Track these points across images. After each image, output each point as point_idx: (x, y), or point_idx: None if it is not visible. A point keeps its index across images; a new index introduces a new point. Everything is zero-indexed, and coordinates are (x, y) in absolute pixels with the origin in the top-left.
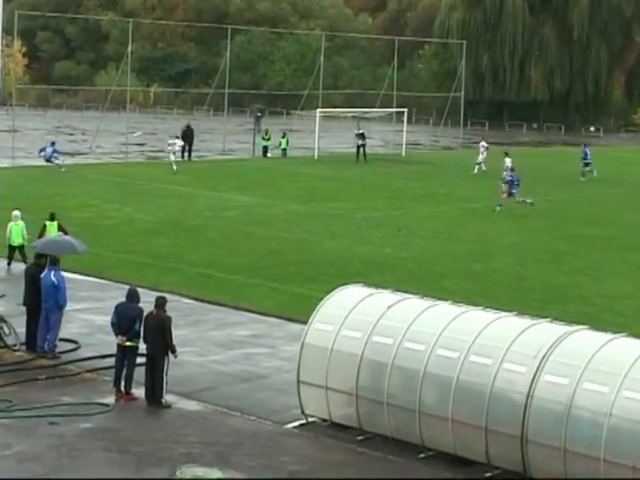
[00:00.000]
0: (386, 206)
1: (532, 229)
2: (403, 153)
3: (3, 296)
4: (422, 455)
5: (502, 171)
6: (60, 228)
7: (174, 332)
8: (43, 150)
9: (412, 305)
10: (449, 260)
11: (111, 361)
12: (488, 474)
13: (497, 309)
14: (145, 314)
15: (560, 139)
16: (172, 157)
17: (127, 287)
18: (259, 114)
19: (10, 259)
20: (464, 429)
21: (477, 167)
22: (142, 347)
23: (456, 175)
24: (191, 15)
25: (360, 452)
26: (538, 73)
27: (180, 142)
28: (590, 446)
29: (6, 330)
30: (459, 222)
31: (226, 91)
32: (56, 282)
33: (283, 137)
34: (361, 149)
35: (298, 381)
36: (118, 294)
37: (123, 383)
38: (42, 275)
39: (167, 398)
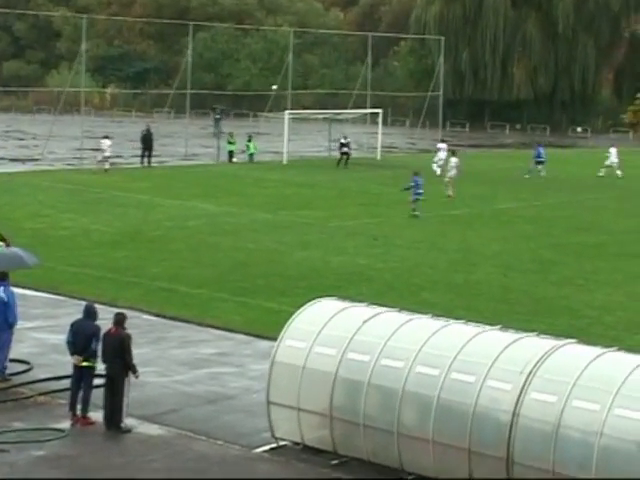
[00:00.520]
0: (361, 214)
1: (518, 237)
2: (378, 157)
3: None
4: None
5: (446, 171)
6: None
7: (134, 351)
8: None
9: (389, 319)
10: (429, 271)
11: (66, 383)
12: None
13: (480, 323)
14: (103, 332)
15: (545, 140)
16: (99, 157)
17: (83, 303)
18: (218, 116)
19: None
20: (446, 451)
21: (435, 165)
22: (100, 367)
23: (436, 180)
24: (150, 11)
25: (335, 477)
26: (521, 70)
27: (108, 142)
28: (580, 468)
29: None
30: (440, 230)
31: (188, 92)
32: (5, 299)
33: (249, 141)
34: (344, 156)
35: (268, 402)
36: (74, 311)
37: (79, 406)
38: None
39: (127, 422)
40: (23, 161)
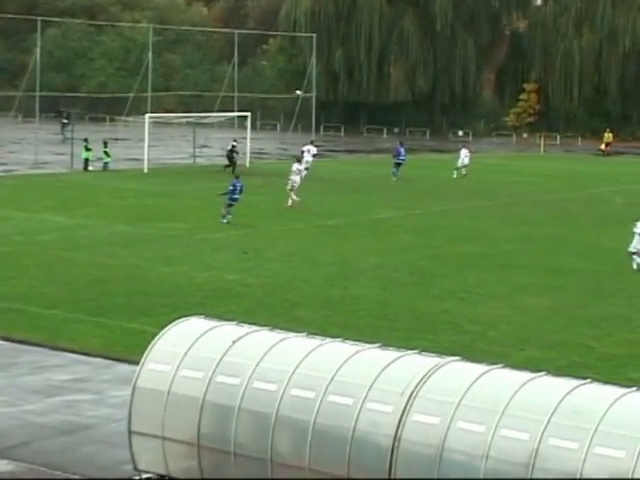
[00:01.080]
0: (230, 225)
1: (397, 248)
2: (247, 163)
3: None
4: None
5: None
6: None
7: None
8: None
9: (261, 339)
10: (303, 286)
11: None
12: None
13: (358, 341)
14: None
15: (425, 145)
16: None
17: None
18: (66, 120)
19: None
20: None
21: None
22: None
23: (310, 188)
24: None
25: None
26: (398, 71)
27: None
28: None
29: None
30: (314, 242)
31: (37, 94)
32: None
33: (105, 147)
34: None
35: (130, 431)
36: None
37: None
38: None
39: None
40: None
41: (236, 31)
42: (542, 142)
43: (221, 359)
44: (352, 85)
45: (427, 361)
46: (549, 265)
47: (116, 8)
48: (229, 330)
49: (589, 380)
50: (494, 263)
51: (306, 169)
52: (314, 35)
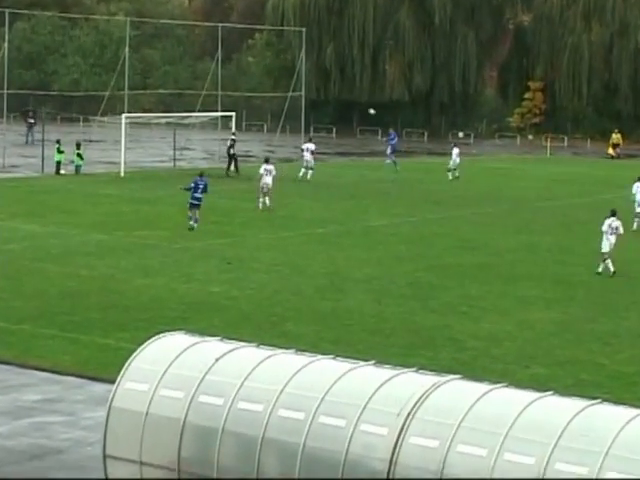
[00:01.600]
0: (211, 233)
1: (392, 258)
2: (231, 167)
3: None
4: None
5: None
6: None
7: None
8: None
9: (246, 356)
10: (292, 298)
11: None
12: None
13: (351, 357)
14: None
15: (423, 147)
16: None
17: None
18: (32, 120)
19: None
20: None
21: (304, 171)
22: None
23: (299, 194)
24: None
25: None
26: (394, 67)
27: None
28: None
29: None
30: (303, 251)
31: (4, 92)
32: None
33: (78, 148)
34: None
35: (104, 455)
36: None
37: None
38: None
39: None
40: None
41: (219, 25)
42: (548, 144)
43: (203, 378)
44: (344, 83)
45: (425, 380)
46: (556, 276)
47: (91, 0)
48: (212, 346)
49: (599, 400)
50: (497, 274)
51: (310, 168)
52: (303, 29)
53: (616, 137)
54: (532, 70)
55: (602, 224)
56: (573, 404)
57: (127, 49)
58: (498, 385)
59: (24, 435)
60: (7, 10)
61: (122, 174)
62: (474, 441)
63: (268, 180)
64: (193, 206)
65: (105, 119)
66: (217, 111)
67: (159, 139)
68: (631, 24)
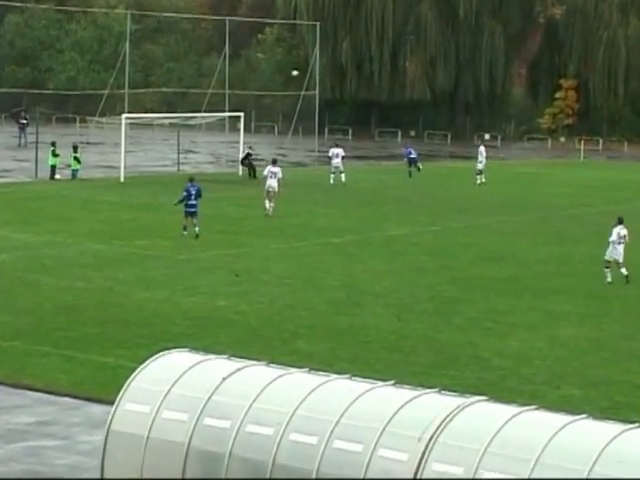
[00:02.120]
0: (218, 243)
1: (413, 270)
2: (240, 172)
3: None
4: None
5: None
6: None
7: None
8: None
9: (256, 375)
10: (304, 313)
11: None
12: None
13: (369, 377)
14: None
15: (446, 151)
16: None
17: None
18: (24, 121)
19: None
20: None
21: (334, 177)
22: None
23: (312, 200)
24: None
25: None
26: (415, 64)
27: None
28: None
29: None
30: (317, 263)
31: None
32: None
33: (75, 152)
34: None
35: None
36: None
37: None
38: None
39: None
40: None
41: (227, 18)
42: (582, 147)
43: (209, 399)
44: (361, 81)
45: (448, 401)
46: (590, 290)
47: None
48: (218, 365)
49: (637, 424)
50: (526, 287)
51: (341, 172)
52: (317, 23)
53: None
54: (564, 67)
55: (610, 234)
56: (608, 428)
57: (127, 44)
58: (527, 407)
59: (16, 460)
60: None
61: (122, 179)
62: (501, 468)
63: (273, 183)
64: (189, 214)
65: (104, 120)
66: (224, 111)
67: (162, 141)
68: None
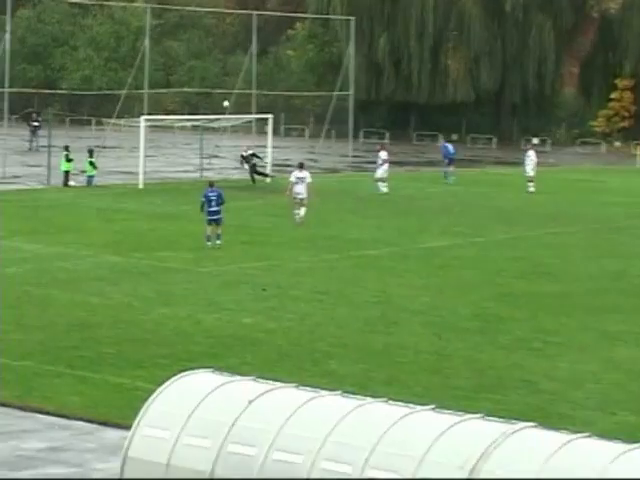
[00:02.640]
0: (244, 255)
1: (454, 285)
2: (267, 179)
3: None
4: None
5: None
6: None
7: None
8: None
9: (284, 399)
10: (337, 332)
11: None
12: None
13: (406, 401)
14: None
15: (491, 156)
16: None
17: None
18: (36, 123)
19: None
20: None
21: (381, 184)
22: None
23: (346, 209)
24: None
25: None
26: (458, 63)
27: None
28: None
29: None
30: (351, 277)
31: (6, 90)
32: None
33: (91, 156)
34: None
35: None
36: None
37: None
38: None
39: None
40: None
41: (254, 12)
42: (638, 152)
43: (234, 423)
44: (399, 81)
45: (493, 428)
46: None
47: None
48: (244, 387)
49: None
50: (577, 305)
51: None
52: (352, 18)
53: None
54: (619, 66)
55: None
56: None
57: (147, 41)
58: (579, 435)
59: None
60: None
61: (140, 186)
62: None
63: (300, 189)
64: (211, 222)
65: (121, 122)
66: (251, 113)
67: (183, 145)
68: None
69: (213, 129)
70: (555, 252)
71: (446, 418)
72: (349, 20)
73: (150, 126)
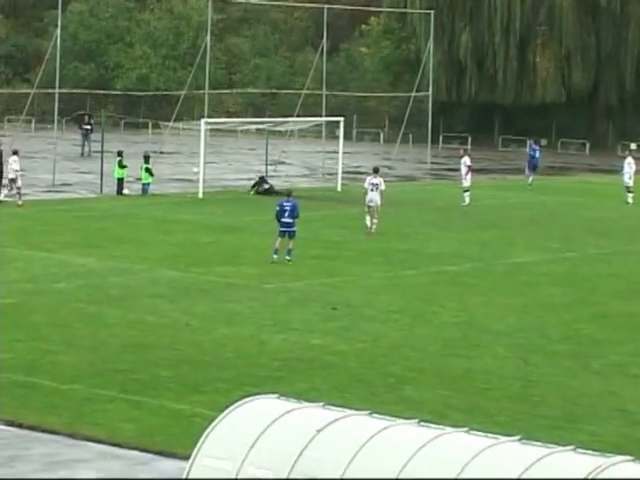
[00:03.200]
0: (313, 271)
1: (544, 304)
2: (339, 187)
3: None
4: None
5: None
6: None
7: None
8: None
9: (356, 427)
10: (413, 355)
11: None
12: None
13: (489, 432)
14: None
15: (584, 163)
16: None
17: None
18: (88, 126)
19: None
20: None
21: (466, 195)
22: None
23: (424, 221)
24: None
25: None
26: (548, 61)
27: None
28: None
29: None
30: (429, 295)
31: (56, 91)
32: None
33: (146, 163)
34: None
35: None
36: None
37: None
38: None
39: None
40: None
41: (325, 6)
42: None
43: (300, 454)
44: (483, 80)
45: (586, 461)
46: None
47: None
48: (312, 414)
49: None
50: None
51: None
52: (432, 11)
53: None
54: None
55: None
56: None
57: (208, 37)
58: None
59: None
60: None
61: (200, 195)
62: None
63: (374, 196)
64: (283, 234)
65: (180, 125)
66: (321, 116)
67: (247, 151)
68: None
69: (279, 133)
70: None
71: (533, 450)
72: (428, 14)
73: (211, 130)
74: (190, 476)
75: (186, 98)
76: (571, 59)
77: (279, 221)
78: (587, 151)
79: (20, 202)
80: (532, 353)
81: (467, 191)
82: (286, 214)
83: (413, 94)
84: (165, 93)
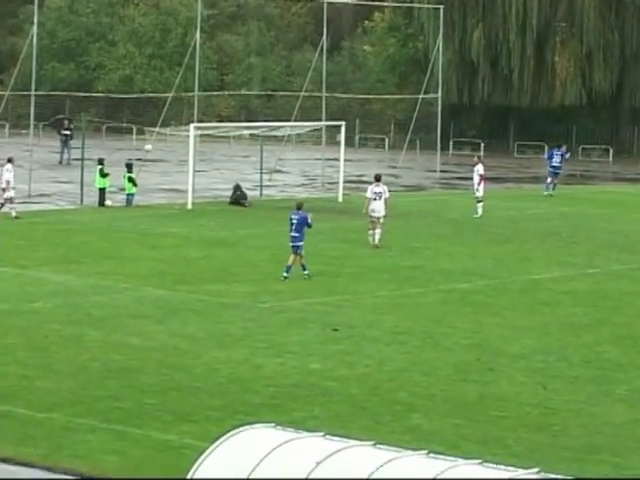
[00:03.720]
0: (312, 288)
1: (563, 325)
2: (340, 198)
3: None
4: None
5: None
6: None
7: None
8: None
9: (358, 459)
10: (422, 380)
11: None
12: None
13: (505, 464)
14: None
15: (607, 171)
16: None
17: None
18: (67, 132)
19: None
20: None
21: (479, 206)
22: None
23: (433, 234)
24: None
25: None
26: (567, 60)
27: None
28: None
29: None
30: (439, 314)
31: (32, 93)
32: None
33: (129, 171)
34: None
35: None
36: None
37: None
38: None
39: None
40: None
41: (325, 1)
42: None
43: None
44: (497, 81)
45: None
46: None
47: None
48: (311, 445)
49: None
50: None
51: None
52: (441, 7)
53: None
54: None
55: None
56: None
57: (198, 35)
58: None
59: None
60: None
61: (189, 206)
62: None
63: (378, 206)
64: (291, 248)
65: (167, 130)
66: (320, 120)
67: (240, 158)
68: None
69: (275, 139)
70: None
71: None
72: (437, 9)
73: (201, 135)
74: None
75: (174, 101)
76: (593, 58)
77: (291, 235)
78: (610, 158)
79: (15, 214)
80: (551, 378)
81: (480, 202)
82: (293, 227)
83: (421, 96)
84: (151, 95)
